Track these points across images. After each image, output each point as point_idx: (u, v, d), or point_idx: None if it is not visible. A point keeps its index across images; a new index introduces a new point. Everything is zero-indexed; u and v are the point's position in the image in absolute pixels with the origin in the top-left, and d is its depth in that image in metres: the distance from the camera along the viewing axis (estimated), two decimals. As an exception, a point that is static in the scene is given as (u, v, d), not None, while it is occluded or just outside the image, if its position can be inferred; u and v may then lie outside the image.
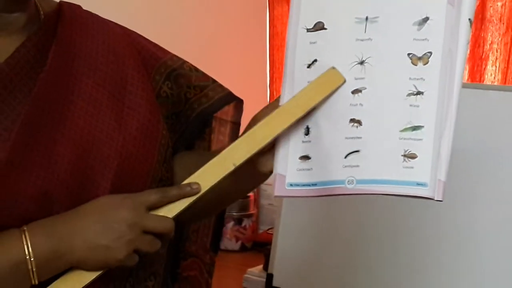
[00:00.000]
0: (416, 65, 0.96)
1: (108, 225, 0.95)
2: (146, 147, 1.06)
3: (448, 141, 0.95)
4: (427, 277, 1.65)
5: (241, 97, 1.23)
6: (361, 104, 0.98)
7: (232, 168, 0.98)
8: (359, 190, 0.97)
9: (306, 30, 1.02)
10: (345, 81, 0.98)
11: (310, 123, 1.01)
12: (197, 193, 0.99)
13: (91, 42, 1.07)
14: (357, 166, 0.97)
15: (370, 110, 0.98)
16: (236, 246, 2.45)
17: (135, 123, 1.06)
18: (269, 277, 1.84)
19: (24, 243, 0.93)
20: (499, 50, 2.61)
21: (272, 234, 1.94)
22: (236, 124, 1.23)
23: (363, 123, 0.98)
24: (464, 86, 1.57)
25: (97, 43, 1.08)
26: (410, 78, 0.96)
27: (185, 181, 0.99)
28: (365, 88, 0.98)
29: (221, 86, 1.21)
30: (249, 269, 1.95)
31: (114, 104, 1.05)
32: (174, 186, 1.00)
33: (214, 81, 1.21)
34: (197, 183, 0.99)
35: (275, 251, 1.85)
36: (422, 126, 0.95)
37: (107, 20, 1.14)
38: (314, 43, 1.02)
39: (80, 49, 1.06)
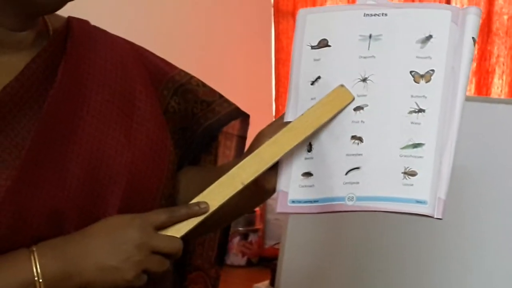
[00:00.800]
0: (418, 83, 0.96)
1: (116, 246, 0.95)
2: (156, 163, 1.06)
3: (449, 159, 0.94)
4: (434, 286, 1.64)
5: (246, 111, 1.23)
6: (362, 121, 0.98)
7: (240, 187, 0.98)
8: (359, 207, 0.96)
9: (310, 47, 1.03)
10: (353, 98, 0.98)
11: (313, 140, 1.01)
12: (206, 212, 0.98)
13: (100, 58, 1.08)
14: (357, 183, 0.97)
15: (372, 127, 0.98)
16: (242, 261, 2.44)
17: (144, 139, 1.06)
18: (276, 292, 1.83)
19: (33, 263, 0.92)
20: (505, 64, 2.60)
21: (278, 249, 1.93)
22: (243, 138, 1.22)
23: (364, 140, 0.98)
24: (470, 99, 1.57)
25: (105, 58, 1.08)
26: (412, 96, 0.96)
27: (193, 200, 0.99)
28: (367, 105, 0.98)
29: (227, 101, 1.21)
30: (256, 285, 1.94)
31: (123, 120, 1.05)
32: (183, 206, 1.00)
33: (221, 96, 1.21)
34: (206, 203, 0.99)
35: (282, 266, 1.84)
36: (423, 144, 0.95)
37: (115, 35, 1.14)
38: (318, 60, 1.02)
39: (89, 65, 1.06)
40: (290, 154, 1.01)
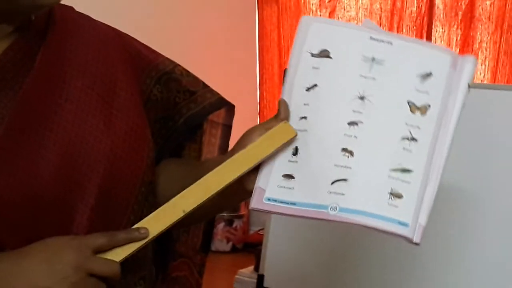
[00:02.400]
0: (414, 113, 0.99)
1: (52, 266, 0.93)
2: (135, 151, 1.05)
3: (433, 189, 0.98)
4: (415, 277, 1.65)
5: (230, 98, 1.23)
6: (355, 136, 1.01)
7: (181, 214, 1.00)
8: (341, 218, 0.98)
9: (310, 55, 1.05)
10: (296, 135, 1.02)
11: (299, 144, 1.03)
12: (145, 238, 0.99)
13: (82, 45, 1.07)
14: (343, 194, 0.99)
15: (364, 144, 1.00)
16: (227, 247, 2.44)
17: (123, 127, 1.05)
18: (260, 278, 1.84)
19: None
20: (488, 49, 2.61)
21: (263, 235, 1.94)
22: (228, 126, 1.22)
23: (355, 154, 1.00)
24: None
25: (87, 45, 1.07)
26: (406, 124, 0.99)
27: (134, 226, 0.99)
28: (362, 122, 1.01)
29: (211, 91, 1.21)
30: (240, 270, 1.95)
31: (103, 106, 1.04)
32: (122, 230, 1.00)
33: (205, 86, 1.20)
34: (146, 228, 0.99)
35: (266, 252, 1.85)
36: (412, 171, 0.98)
37: (99, 22, 1.13)
38: (317, 68, 1.04)
39: (70, 52, 1.05)
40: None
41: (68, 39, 1.06)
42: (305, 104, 1.03)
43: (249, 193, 1.03)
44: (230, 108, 1.21)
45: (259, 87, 3.18)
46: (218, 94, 1.21)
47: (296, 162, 1.02)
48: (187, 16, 2.79)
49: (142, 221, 1.00)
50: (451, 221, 1.63)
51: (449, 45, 2.64)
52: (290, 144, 1.02)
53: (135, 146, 1.06)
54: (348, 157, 1.00)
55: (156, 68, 1.15)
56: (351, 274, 1.72)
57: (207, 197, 1.00)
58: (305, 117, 1.03)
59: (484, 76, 2.59)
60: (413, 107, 0.99)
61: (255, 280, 1.85)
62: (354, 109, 1.01)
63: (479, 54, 2.62)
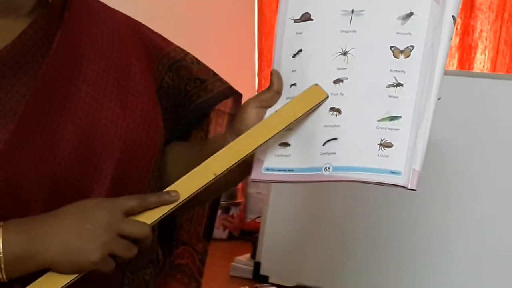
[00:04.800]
0: (397, 58, 0.98)
1: (82, 226, 0.94)
2: (149, 135, 1.07)
3: (425, 132, 0.96)
4: (416, 261, 1.65)
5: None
6: (341, 94, 1.00)
7: (212, 177, 0.99)
8: (335, 177, 0.98)
9: (293, 21, 1.04)
10: (327, 97, 1.00)
11: None
12: (176, 201, 0.99)
13: (97, 29, 1.08)
14: (334, 153, 0.99)
15: (350, 100, 1.00)
16: (223, 234, 2.44)
17: (138, 111, 1.06)
18: (257, 265, 1.84)
19: None
20: (488, 39, 2.60)
21: (259, 222, 1.94)
22: (234, 116, 1.22)
23: (342, 112, 1.00)
24: (452, 74, 1.57)
25: (103, 30, 1.08)
26: (391, 70, 0.98)
27: (166, 189, 1.00)
28: (347, 78, 1.00)
29: (221, 80, 1.22)
30: (237, 258, 1.95)
31: (118, 90, 1.05)
32: (153, 193, 1.01)
33: (214, 74, 1.21)
34: (176, 191, 0.99)
35: (263, 240, 1.85)
36: (400, 117, 0.97)
37: (113, 9, 1.14)
38: (300, 33, 1.04)
39: (86, 35, 1.06)
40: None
41: (85, 22, 1.07)
42: (293, 71, 1.03)
43: (249, 165, 1.04)
44: (237, 98, 1.22)
45: (257, 74, 3.17)
46: (227, 83, 1.22)
47: (291, 129, 1.03)
48: (185, 3, 2.78)
49: (173, 184, 1.00)
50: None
51: (449, 34, 2.62)
52: (320, 106, 1.00)
53: (149, 131, 1.07)
54: (336, 115, 1.00)
55: (167, 55, 1.16)
56: (348, 262, 1.72)
57: (238, 160, 1.00)
58: (294, 84, 1.04)
59: (484, 66, 2.58)
60: (396, 52, 0.98)
61: (251, 268, 1.85)
62: (338, 67, 1.01)
63: (479, 43, 2.61)
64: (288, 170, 1.02)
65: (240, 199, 2.54)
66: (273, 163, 1.03)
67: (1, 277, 0.92)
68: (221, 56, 2.85)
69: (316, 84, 1.01)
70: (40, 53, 1.01)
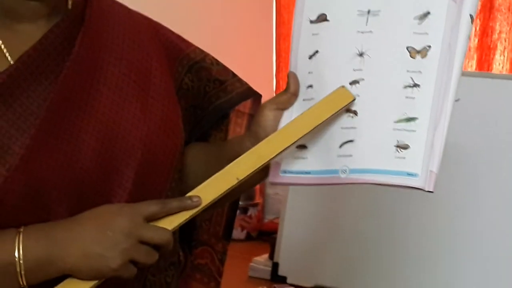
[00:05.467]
0: (414, 58, 0.97)
1: (103, 233, 0.93)
2: (170, 138, 1.07)
3: (442, 133, 0.95)
4: (433, 262, 1.65)
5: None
6: (358, 95, 0.99)
7: (235, 182, 0.98)
8: (352, 179, 0.97)
9: (309, 22, 1.04)
10: (354, 99, 0.98)
11: None
12: (198, 206, 0.98)
13: (117, 32, 1.08)
14: (351, 155, 0.98)
15: (366, 101, 0.99)
16: (241, 235, 2.44)
17: (159, 114, 1.06)
18: (275, 266, 1.84)
19: (16, 244, 0.92)
20: (507, 40, 2.59)
21: (277, 223, 1.94)
22: (253, 116, 1.23)
23: (358, 113, 0.99)
24: (471, 75, 1.56)
25: (123, 32, 1.08)
26: (407, 71, 0.97)
27: (188, 194, 0.99)
28: (363, 80, 0.99)
29: (240, 81, 1.21)
30: (255, 258, 1.95)
31: (139, 93, 1.05)
32: (175, 198, 0.99)
33: (234, 75, 1.21)
34: (198, 196, 0.98)
35: (281, 240, 1.85)
36: (417, 118, 0.95)
37: (133, 10, 1.14)
38: (316, 34, 1.03)
39: (107, 38, 1.06)
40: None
41: (105, 25, 1.07)
42: (309, 73, 1.03)
43: (266, 167, 1.04)
44: (256, 98, 1.22)
45: (275, 76, 3.17)
46: (246, 84, 1.22)
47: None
48: (204, 3, 2.79)
49: (195, 189, 0.98)
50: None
51: (468, 35, 2.61)
52: (346, 109, 0.99)
53: (170, 134, 1.07)
54: (352, 117, 0.99)
55: (187, 57, 1.16)
56: (365, 262, 1.72)
57: (261, 164, 0.99)
58: (311, 86, 1.03)
59: (503, 67, 2.56)
60: (412, 52, 0.97)
61: (269, 268, 1.86)
62: (354, 68, 1.00)
63: (498, 44, 2.60)
64: (305, 173, 1.01)
65: (258, 200, 2.54)
66: (290, 166, 1.03)
67: (21, 283, 0.92)
68: (239, 57, 2.86)
69: (343, 86, 0.99)
70: (61, 57, 1.01)
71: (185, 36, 1.22)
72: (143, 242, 0.95)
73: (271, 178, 1.04)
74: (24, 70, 0.97)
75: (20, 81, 0.97)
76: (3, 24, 1.01)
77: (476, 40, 2.62)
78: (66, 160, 0.96)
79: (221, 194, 0.98)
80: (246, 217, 2.47)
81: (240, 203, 2.48)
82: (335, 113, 0.99)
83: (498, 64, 2.56)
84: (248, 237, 2.44)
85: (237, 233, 2.43)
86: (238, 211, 2.56)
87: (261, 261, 1.93)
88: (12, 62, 0.98)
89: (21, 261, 0.91)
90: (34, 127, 0.95)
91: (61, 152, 0.96)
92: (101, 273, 0.93)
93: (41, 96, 0.97)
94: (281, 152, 0.99)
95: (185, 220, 0.98)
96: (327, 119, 0.99)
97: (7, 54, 1.00)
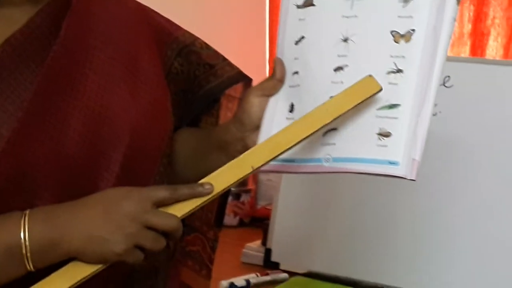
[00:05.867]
0: (398, 43, 0.94)
1: (108, 216, 0.92)
2: (158, 122, 1.06)
3: (425, 120, 0.93)
4: (425, 248, 1.65)
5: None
6: (342, 82, 0.97)
7: (250, 170, 0.95)
8: (335, 168, 0.96)
9: (296, 7, 1.02)
10: (381, 89, 0.95)
11: (294, 100, 1.01)
12: (209, 193, 0.95)
13: (105, 15, 1.07)
14: (334, 144, 0.97)
15: None
16: (234, 221, 2.44)
17: (147, 97, 1.05)
18: (268, 252, 1.84)
19: (22, 227, 0.91)
20: (501, 25, 2.59)
21: (270, 209, 1.94)
22: None
23: None
24: (465, 61, 1.55)
25: (111, 16, 1.08)
26: (391, 56, 0.95)
27: (200, 181, 0.96)
28: (347, 66, 0.97)
29: (231, 64, 1.21)
30: (248, 244, 1.95)
31: (127, 77, 1.05)
32: (186, 185, 0.96)
33: (224, 59, 1.20)
34: (210, 184, 0.95)
35: (274, 227, 1.85)
36: (399, 105, 0.93)
37: None
38: (303, 19, 1.02)
39: (94, 22, 1.05)
40: (270, 112, 1.00)
41: (92, 9, 1.06)
42: (295, 59, 1.01)
43: None
44: (247, 83, 1.21)
45: (268, 62, 3.17)
46: (237, 68, 1.21)
47: (293, 119, 1.00)
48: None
49: (207, 177, 0.96)
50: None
51: (461, 21, 2.61)
52: (372, 99, 0.95)
53: (159, 117, 1.06)
54: None
55: (176, 41, 1.16)
56: (359, 249, 1.72)
57: (277, 153, 0.96)
58: (296, 72, 1.01)
59: (496, 53, 2.57)
60: (396, 36, 0.94)
61: (262, 254, 1.85)
62: (339, 54, 0.98)
63: (492, 30, 2.60)
64: (290, 161, 1.00)
65: (251, 186, 2.54)
66: None
67: (28, 267, 0.91)
68: (232, 43, 2.85)
69: (370, 75, 0.96)
70: (47, 41, 1.00)
71: (176, 21, 1.21)
72: (150, 228, 0.93)
73: None
74: (11, 52, 0.97)
75: (7, 64, 0.96)
76: None
77: (470, 25, 2.61)
78: (52, 144, 0.95)
79: (235, 182, 0.95)
80: (239, 203, 2.47)
81: (233, 189, 2.49)
82: (361, 102, 0.95)
83: (492, 49, 2.56)
84: (241, 223, 2.44)
85: (230, 219, 2.43)
86: (230, 197, 2.57)
87: (253, 247, 1.93)
88: None
89: (26, 243, 0.90)
90: (21, 110, 0.94)
91: (47, 136, 0.95)
92: (104, 257, 0.92)
93: (28, 79, 0.97)
94: (299, 142, 0.96)
95: (196, 207, 0.95)
96: (351, 108, 0.95)
97: None
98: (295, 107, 1.01)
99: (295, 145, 0.96)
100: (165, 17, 1.18)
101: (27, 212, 0.93)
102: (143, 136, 1.04)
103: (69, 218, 0.93)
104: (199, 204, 0.95)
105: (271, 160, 0.96)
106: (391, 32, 0.95)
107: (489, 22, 2.58)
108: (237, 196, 2.47)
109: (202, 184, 0.95)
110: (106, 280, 1.00)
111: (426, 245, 1.65)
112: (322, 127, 0.96)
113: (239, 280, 1.67)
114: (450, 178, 1.63)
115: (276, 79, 1.03)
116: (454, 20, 0.94)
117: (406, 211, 1.68)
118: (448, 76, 1.62)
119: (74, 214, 0.93)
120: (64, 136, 0.97)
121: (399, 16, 0.95)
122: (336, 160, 0.96)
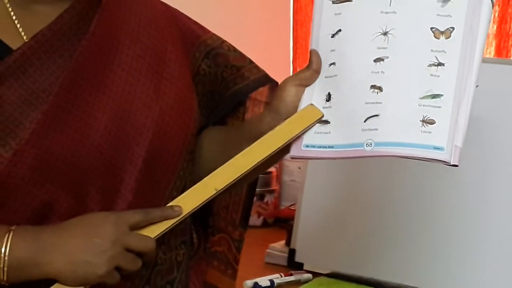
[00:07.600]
0: (438, 39, 1.00)
1: (90, 240, 0.95)
2: (182, 119, 1.08)
3: (466, 110, 0.98)
4: (453, 248, 1.64)
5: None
6: (382, 72, 1.01)
7: (213, 193, 1.02)
8: (377, 152, 0.99)
9: (331, 2, 1.06)
10: (322, 116, 1.04)
11: (332, 89, 1.04)
12: (179, 215, 1.01)
13: (134, 14, 1.09)
14: (376, 129, 1.00)
15: (391, 78, 1.01)
16: (258, 221, 2.45)
17: (172, 95, 1.08)
18: (292, 252, 1.84)
19: (5, 241, 0.93)
20: (526, 26, 2.57)
21: (294, 210, 1.94)
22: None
23: (383, 89, 1.01)
24: (490, 61, 1.55)
25: (139, 15, 1.10)
26: (432, 50, 1.00)
27: (169, 204, 1.02)
28: (387, 57, 1.01)
29: (257, 67, 1.23)
30: (271, 245, 1.95)
31: (152, 75, 1.07)
32: (157, 208, 1.02)
33: (251, 62, 1.22)
34: (179, 206, 1.01)
35: (298, 227, 1.86)
36: (442, 95, 0.98)
37: None
38: (339, 14, 1.05)
39: (123, 20, 1.07)
40: (307, 101, 1.04)
41: (122, 7, 1.08)
42: (331, 51, 1.05)
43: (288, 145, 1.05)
44: (273, 86, 1.22)
45: (292, 62, 3.17)
46: (263, 70, 1.23)
47: (330, 107, 1.04)
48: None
49: (175, 199, 1.02)
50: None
51: (486, 22, 2.59)
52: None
53: (183, 115, 1.08)
54: (377, 93, 1.01)
55: (204, 43, 1.18)
56: (383, 250, 1.72)
57: (237, 176, 1.02)
58: (333, 63, 1.05)
59: (521, 54, 2.55)
60: (436, 33, 1.00)
61: (286, 255, 1.86)
62: (378, 46, 1.02)
63: (517, 31, 2.58)
64: (328, 147, 1.03)
65: (274, 186, 2.55)
66: (313, 140, 1.04)
67: (1, 279, 0.94)
68: (257, 44, 2.86)
69: (312, 104, 1.04)
70: (76, 37, 1.02)
71: (203, 23, 1.23)
72: (128, 250, 0.97)
73: (292, 152, 1.05)
74: (38, 49, 0.99)
75: (33, 59, 0.98)
76: (20, 5, 1.03)
77: (495, 26, 2.60)
78: (77, 135, 0.98)
79: (201, 204, 1.02)
80: (263, 204, 2.48)
81: (257, 189, 2.50)
82: (306, 128, 1.03)
83: (516, 50, 2.54)
84: (265, 224, 2.45)
85: (254, 220, 2.44)
86: (254, 198, 2.57)
87: (277, 247, 1.94)
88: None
89: (6, 258, 0.93)
90: (46, 103, 0.97)
91: (72, 128, 0.98)
92: (87, 280, 0.95)
93: (55, 74, 0.99)
94: (256, 164, 1.03)
95: (167, 228, 1.01)
96: (298, 133, 1.03)
97: (22, 34, 1.02)
98: (333, 96, 1.04)
99: (253, 167, 1.03)
100: (193, 20, 1.20)
101: (13, 228, 0.95)
102: (166, 132, 1.06)
103: (52, 241, 0.95)
104: (170, 226, 1.02)
105: (232, 181, 1.03)
106: (431, 28, 1.00)
107: (514, 23, 2.57)
108: (261, 196, 2.48)
109: (172, 207, 1.01)
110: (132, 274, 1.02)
111: (451, 246, 1.64)
112: (275, 151, 1.03)
113: (263, 280, 1.68)
114: (476, 180, 1.63)
115: (313, 69, 1.05)
116: (489, 21, 1.00)
117: (430, 212, 1.68)
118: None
119: (56, 237, 0.95)
120: (89, 128, 0.99)
121: (438, 15, 1.00)
122: (378, 144, 0.99)
